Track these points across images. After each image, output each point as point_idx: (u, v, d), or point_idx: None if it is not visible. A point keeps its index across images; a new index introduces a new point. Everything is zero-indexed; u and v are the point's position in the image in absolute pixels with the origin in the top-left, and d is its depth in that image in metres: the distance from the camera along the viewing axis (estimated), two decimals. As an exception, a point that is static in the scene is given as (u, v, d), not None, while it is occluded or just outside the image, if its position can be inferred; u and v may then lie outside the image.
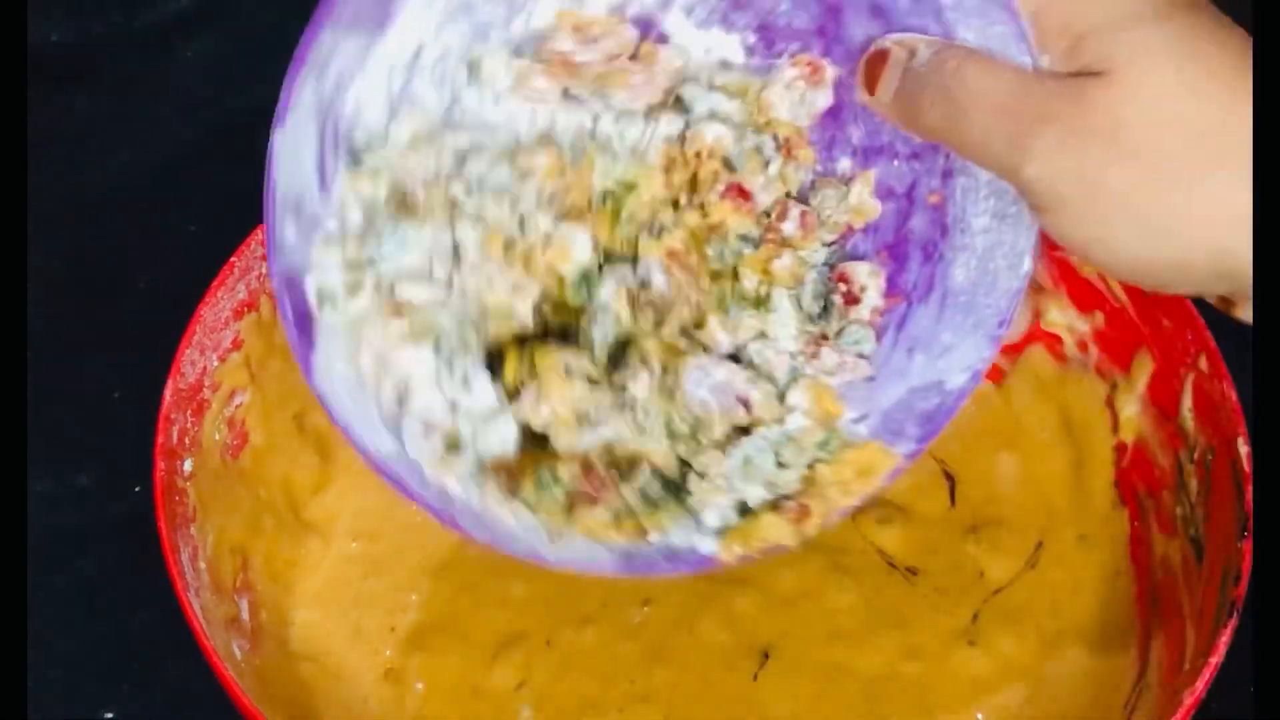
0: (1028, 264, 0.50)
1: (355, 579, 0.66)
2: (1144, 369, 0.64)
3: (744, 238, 0.54)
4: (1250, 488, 0.57)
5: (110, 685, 0.65)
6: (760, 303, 0.54)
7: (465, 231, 0.51)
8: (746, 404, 0.52)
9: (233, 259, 0.64)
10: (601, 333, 0.52)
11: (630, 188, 0.53)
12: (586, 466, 0.51)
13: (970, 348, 0.52)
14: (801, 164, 0.54)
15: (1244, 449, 0.58)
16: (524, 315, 0.51)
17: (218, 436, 0.64)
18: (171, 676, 0.65)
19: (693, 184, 0.53)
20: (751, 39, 0.53)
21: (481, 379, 0.51)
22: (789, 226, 0.53)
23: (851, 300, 0.54)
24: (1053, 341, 0.68)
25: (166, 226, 0.80)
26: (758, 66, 0.53)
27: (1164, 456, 0.64)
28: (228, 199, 0.79)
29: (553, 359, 0.51)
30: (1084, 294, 0.66)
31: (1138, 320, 0.64)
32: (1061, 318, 0.68)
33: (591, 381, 0.51)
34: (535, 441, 0.51)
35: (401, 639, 0.64)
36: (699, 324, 0.53)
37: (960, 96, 0.45)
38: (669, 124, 0.53)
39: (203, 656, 0.55)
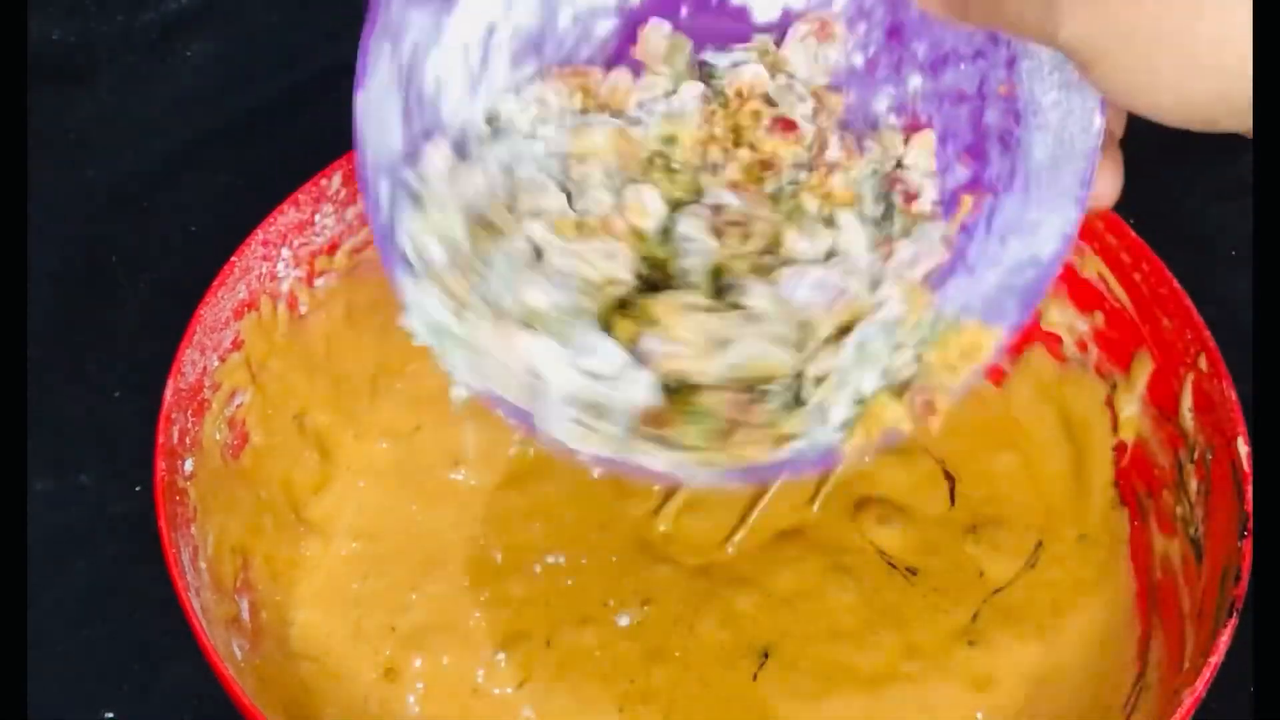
0: (1098, 121, 0.51)
1: (355, 579, 0.66)
2: (1144, 369, 0.65)
3: (797, 166, 0.55)
4: (1250, 487, 0.57)
5: (110, 685, 0.65)
6: (828, 223, 0.55)
7: (533, 229, 0.53)
8: (844, 294, 0.53)
9: (233, 259, 0.64)
10: (697, 263, 0.53)
11: (671, 140, 0.55)
12: (733, 405, 0.52)
13: (1057, 217, 0.53)
14: (832, 110, 0.56)
15: (1244, 449, 0.58)
16: (625, 275, 0.53)
17: (218, 436, 0.64)
18: (171, 676, 0.65)
19: (735, 132, 0.55)
20: None
21: (605, 343, 0.52)
22: (833, 153, 0.55)
23: (910, 197, 0.55)
24: (1053, 341, 0.69)
25: (166, 226, 0.80)
26: (767, 25, 0.55)
27: (1164, 456, 0.64)
28: (228, 199, 0.80)
29: (665, 302, 0.52)
30: (1084, 294, 0.66)
31: (1137, 320, 0.64)
32: (1061, 318, 0.68)
33: (707, 311, 0.52)
34: (670, 392, 0.52)
35: (401, 639, 0.64)
36: (777, 242, 0.54)
37: None
38: (693, 88, 0.55)
39: (203, 656, 0.55)
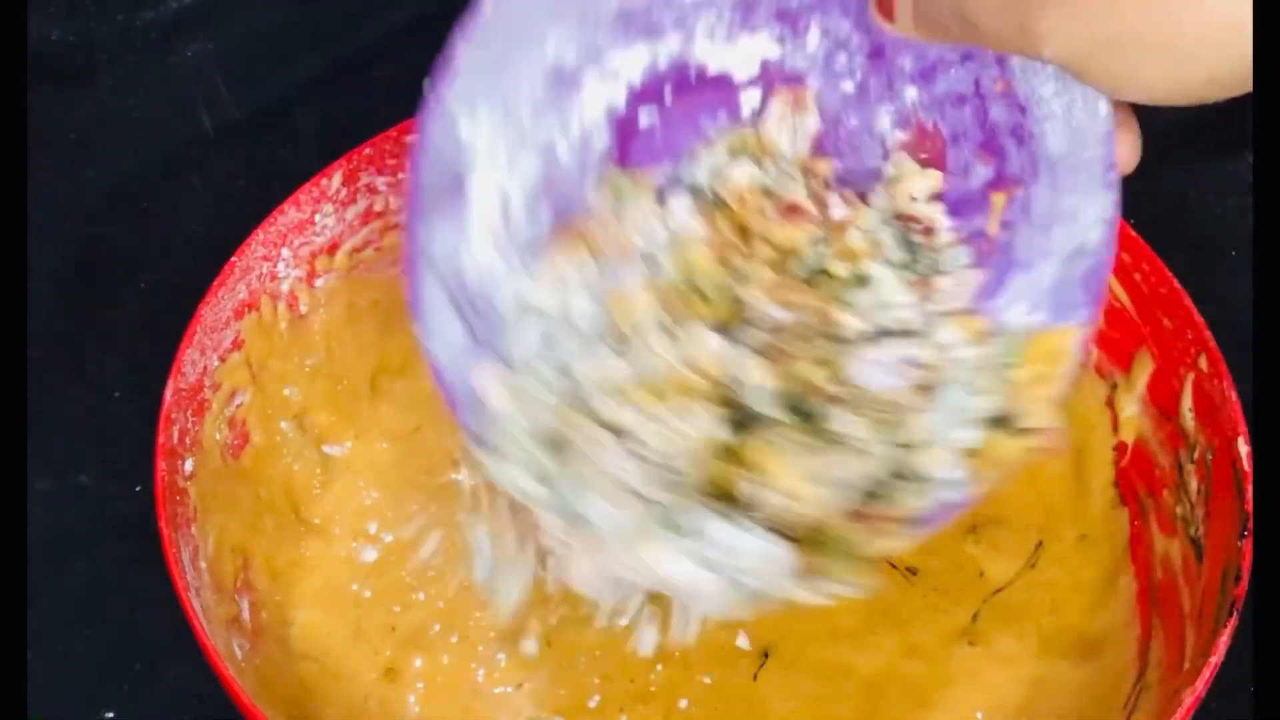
0: (1104, 106, 0.52)
1: (355, 579, 0.65)
2: (1144, 369, 0.65)
3: (817, 242, 0.55)
4: (1250, 487, 0.57)
5: (110, 685, 0.65)
6: (862, 282, 0.55)
7: (606, 410, 0.53)
8: (914, 362, 0.54)
9: (233, 259, 0.64)
10: (764, 397, 0.53)
11: (690, 267, 0.55)
12: (857, 515, 0.53)
13: (1093, 204, 0.54)
14: (822, 173, 0.56)
15: (1244, 449, 0.58)
16: (721, 430, 0.53)
17: (218, 436, 0.64)
18: (171, 676, 0.65)
19: (743, 231, 0.55)
20: (777, 29, 0.55)
21: (713, 523, 0.52)
22: (837, 211, 0.55)
23: (928, 231, 0.56)
24: (1053, 341, 0.69)
25: (166, 226, 0.80)
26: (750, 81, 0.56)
27: (1164, 456, 0.64)
28: (228, 199, 0.80)
29: (761, 449, 0.52)
30: (1084, 294, 0.66)
31: (1138, 320, 0.64)
32: (1061, 318, 0.68)
33: (805, 448, 0.53)
34: (797, 540, 0.53)
35: (401, 639, 0.64)
36: (830, 325, 0.55)
37: (966, 2, 0.46)
38: (680, 201, 0.56)
39: (203, 656, 0.55)
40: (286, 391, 0.67)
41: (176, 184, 0.81)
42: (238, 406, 0.65)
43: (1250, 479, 0.57)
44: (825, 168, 0.56)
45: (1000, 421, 0.54)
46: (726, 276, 0.55)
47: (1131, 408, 0.65)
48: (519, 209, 0.54)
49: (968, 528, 0.67)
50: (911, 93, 0.56)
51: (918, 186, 0.56)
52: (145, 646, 0.66)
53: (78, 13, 0.88)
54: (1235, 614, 0.54)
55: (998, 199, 0.55)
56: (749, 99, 0.56)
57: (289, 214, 0.66)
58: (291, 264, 0.67)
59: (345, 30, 0.87)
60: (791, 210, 0.55)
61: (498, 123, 0.53)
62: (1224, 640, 0.54)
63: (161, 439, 0.60)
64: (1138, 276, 0.64)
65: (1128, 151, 0.52)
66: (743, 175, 0.55)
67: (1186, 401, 0.62)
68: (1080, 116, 0.52)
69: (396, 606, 0.65)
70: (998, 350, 0.55)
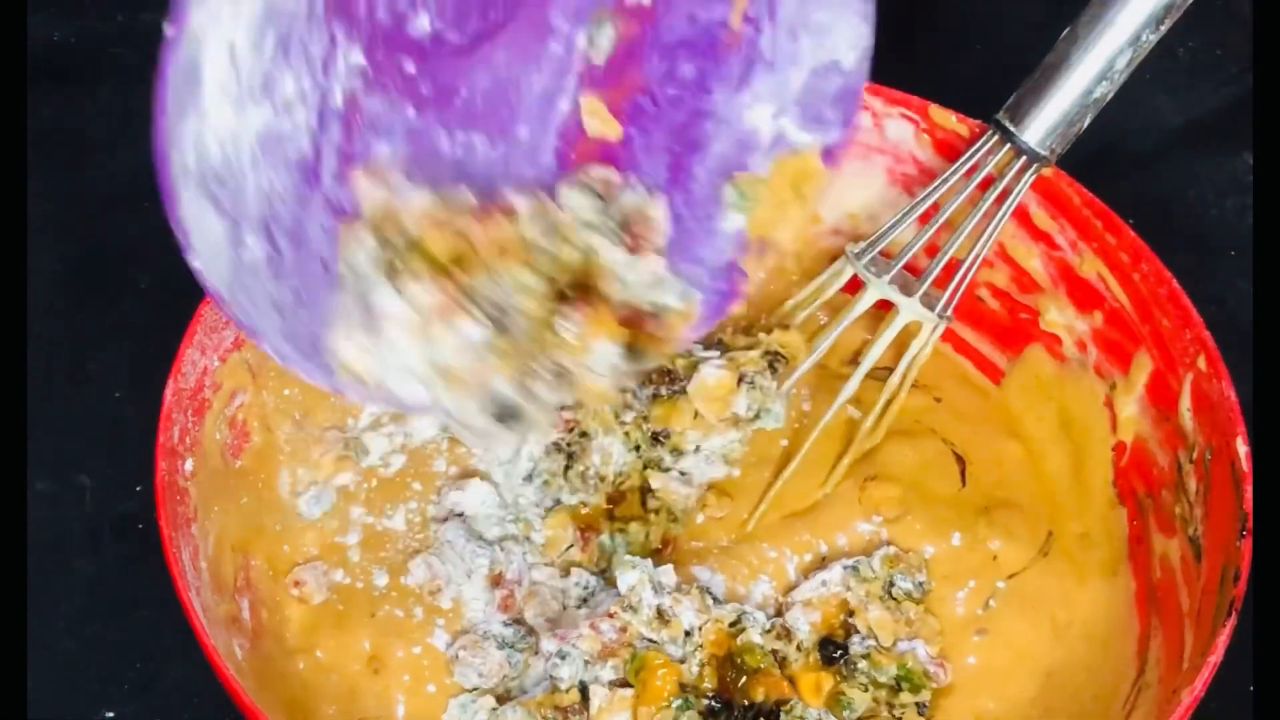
0: None
1: (354, 576, 0.65)
2: (1143, 369, 0.65)
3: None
4: (1249, 487, 0.57)
5: (110, 685, 0.65)
6: (578, 351, 0.57)
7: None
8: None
9: (233, 259, 0.64)
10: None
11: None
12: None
13: (849, 27, 0.58)
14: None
15: (1243, 448, 0.58)
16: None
17: (219, 436, 0.64)
18: (171, 676, 0.65)
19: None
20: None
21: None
22: (568, 331, 0.57)
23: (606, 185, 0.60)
24: (1052, 341, 0.69)
25: (166, 226, 0.79)
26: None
27: (1163, 456, 0.64)
28: (228, 199, 0.80)
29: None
30: (1083, 294, 0.66)
31: (1136, 320, 0.64)
32: (1060, 317, 0.68)
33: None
34: None
35: (381, 629, 0.63)
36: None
37: None
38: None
39: (203, 656, 0.55)
40: (286, 391, 0.67)
41: (176, 184, 0.81)
42: (238, 406, 0.65)
43: (1249, 479, 0.57)
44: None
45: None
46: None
47: (1130, 408, 0.65)
48: (245, 49, 0.52)
49: (980, 509, 0.66)
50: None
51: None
52: (145, 646, 0.66)
53: (78, 13, 0.88)
54: (1234, 614, 0.54)
55: None
56: None
57: (289, 214, 0.66)
58: (291, 264, 0.67)
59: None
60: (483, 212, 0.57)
61: None
62: (1223, 640, 0.54)
63: (162, 439, 0.60)
64: (1137, 276, 0.64)
65: None
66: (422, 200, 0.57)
67: (1185, 401, 0.62)
68: None
69: (394, 603, 0.64)
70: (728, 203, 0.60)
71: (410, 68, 0.55)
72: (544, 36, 0.57)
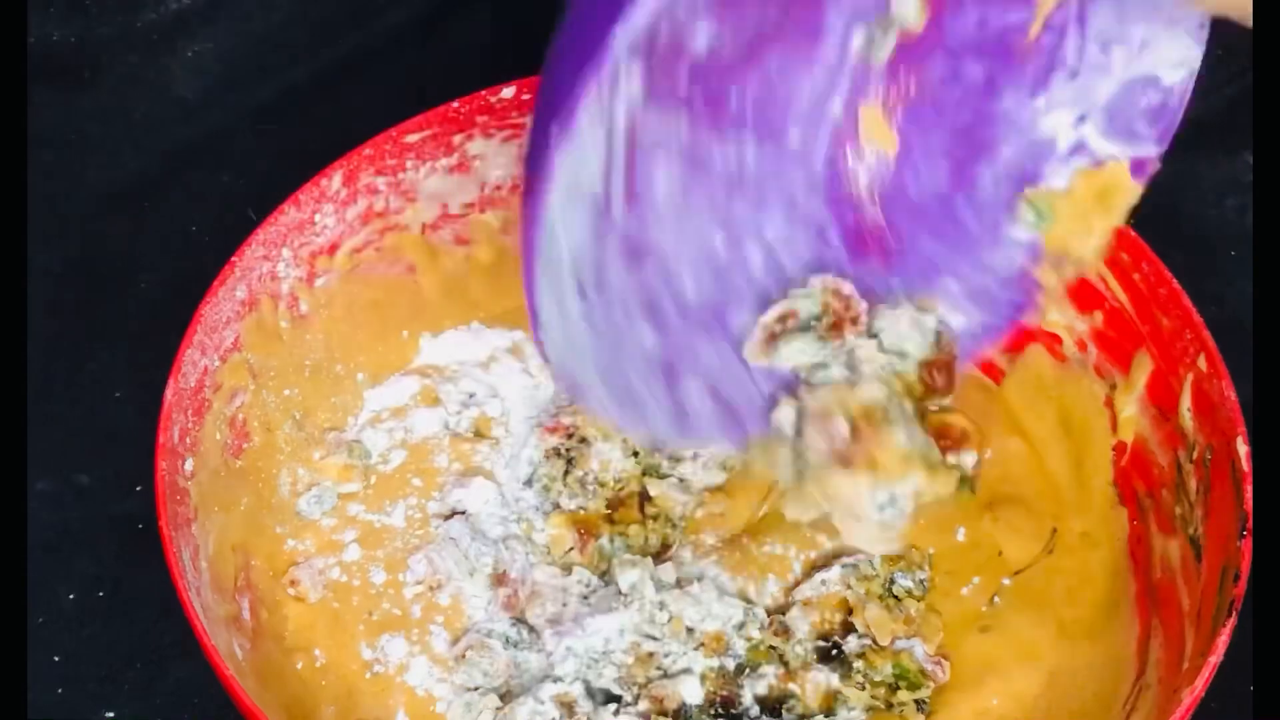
0: None
1: (353, 576, 0.65)
2: (1143, 369, 0.65)
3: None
4: (1249, 487, 0.57)
5: (110, 685, 0.65)
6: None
7: None
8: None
9: (233, 259, 0.64)
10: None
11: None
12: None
13: (1175, 46, 0.53)
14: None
15: (1243, 448, 0.58)
16: None
17: (219, 436, 0.64)
18: (171, 676, 0.65)
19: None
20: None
21: None
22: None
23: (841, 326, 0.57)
24: (1052, 341, 0.69)
25: (166, 226, 0.80)
26: None
27: (1163, 456, 0.64)
28: (228, 199, 0.80)
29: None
30: (1083, 294, 0.66)
31: (1137, 320, 0.64)
32: (1061, 317, 0.68)
33: None
34: None
35: (381, 628, 0.63)
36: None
37: None
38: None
39: (203, 656, 0.55)
40: (286, 391, 0.67)
41: (176, 184, 0.81)
42: (238, 406, 0.65)
43: (1249, 479, 0.57)
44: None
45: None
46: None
47: (1130, 408, 0.65)
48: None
49: (984, 504, 0.66)
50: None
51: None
52: (145, 646, 0.66)
53: (78, 13, 0.88)
54: (1234, 613, 0.54)
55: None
56: None
57: (289, 214, 0.66)
58: (291, 264, 0.67)
59: (345, 30, 0.87)
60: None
61: None
62: (1223, 640, 0.54)
63: (162, 439, 0.60)
64: (1137, 276, 0.64)
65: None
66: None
67: (1186, 401, 0.62)
68: None
69: (391, 600, 0.64)
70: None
71: (685, 80, 0.52)
72: (818, 38, 0.54)
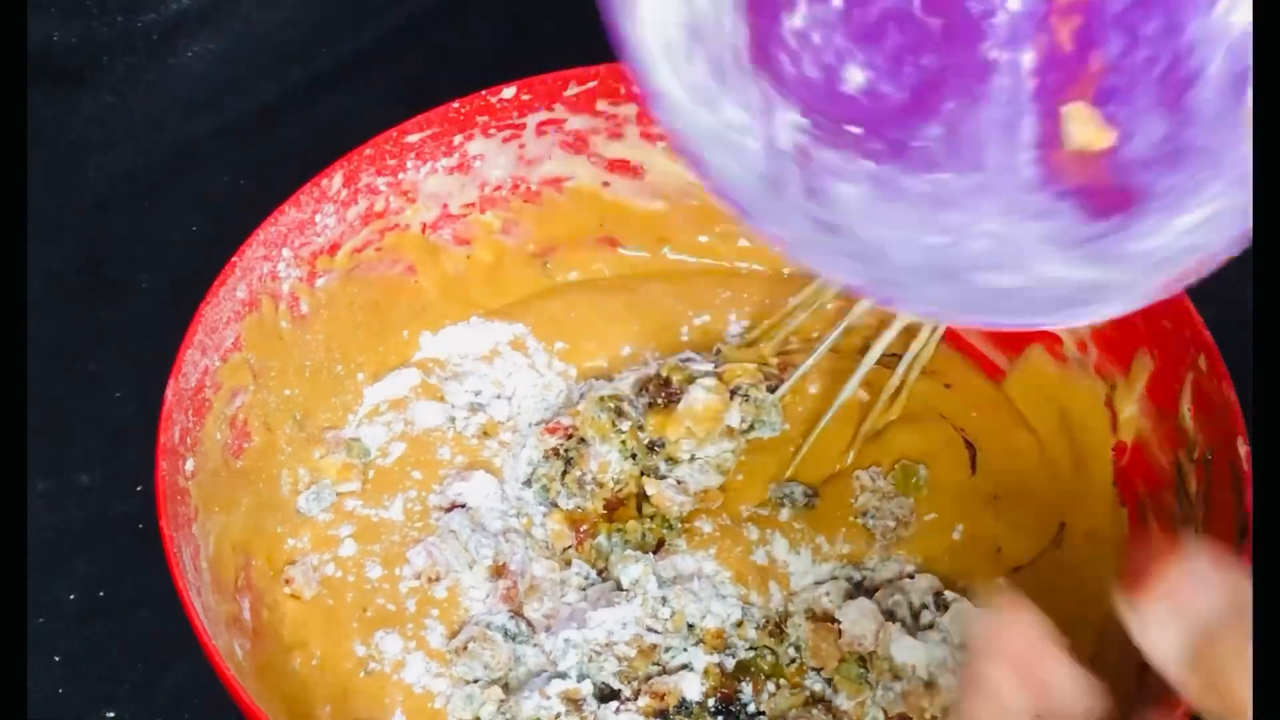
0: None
1: (353, 573, 0.65)
2: (1143, 369, 0.65)
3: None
4: (1249, 488, 0.57)
5: (110, 685, 0.65)
6: None
7: None
8: None
9: (233, 259, 0.64)
10: None
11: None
12: None
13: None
14: None
15: (1243, 449, 0.58)
16: None
17: (219, 436, 0.64)
18: (171, 676, 0.65)
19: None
20: None
21: None
22: None
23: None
24: (1052, 341, 0.69)
25: (166, 226, 0.80)
26: None
27: (1163, 456, 0.64)
28: (228, 199, 0.80)
29: None
30: (1083, 294, 0.66)
31: (1137, 320, 0.64)
32: (1061, 318, 0.68)
33: None
34: None
35: (376, 624, 0.63)
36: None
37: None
38: None
39: (203, 656, 0.55)
40: (287, 391, 0.67)
41: (176, 184, 0.81)
42: (238, 406, 0.65)
43: (1249, 479, 0.57)
44: None
45: None
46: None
47: (1131, 408, 0.65)
48: (680, 55, 0.50)
49: (989, 496, 0.66)
50: None
51: None
52: (145, 646, 0.66)
53: (78, 13, 0.88)
54: (1235, 614, 0.54)
55: None
56: None
57: (289, 214, 0.66)
58: (291, 264, 0.67)
59: (345, 30, 0.88)
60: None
61: None
62: (1223, 640, 0.54)
63: (162, 439, 0.60)
64: (1137, 276, 0.64)
65: None
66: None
67: (1186, 402, 0.62)
68: None
69: (388, 598, 0.64)
70: None
71: (855, 129, 0.52)
72: (985, 75, 0.52)
